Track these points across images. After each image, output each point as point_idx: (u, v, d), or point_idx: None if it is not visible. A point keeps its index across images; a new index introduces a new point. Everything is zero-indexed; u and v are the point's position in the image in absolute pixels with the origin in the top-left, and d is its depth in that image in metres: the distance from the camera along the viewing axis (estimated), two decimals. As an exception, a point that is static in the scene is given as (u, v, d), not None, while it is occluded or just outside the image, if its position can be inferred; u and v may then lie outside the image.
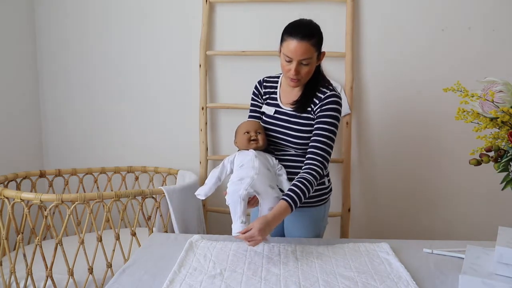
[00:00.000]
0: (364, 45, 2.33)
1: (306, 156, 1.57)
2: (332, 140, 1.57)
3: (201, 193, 1.58)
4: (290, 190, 1.48)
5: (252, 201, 1.53)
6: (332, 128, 1.57)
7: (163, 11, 2.44)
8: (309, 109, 1.62)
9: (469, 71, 2.19)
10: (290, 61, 1.53)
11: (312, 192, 1.56)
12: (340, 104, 1.60)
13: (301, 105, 1.62)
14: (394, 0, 2.29)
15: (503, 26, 2.24)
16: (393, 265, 1.39)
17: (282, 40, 1.55)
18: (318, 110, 1.59)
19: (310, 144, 1.57)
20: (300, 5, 2.30)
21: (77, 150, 2.61)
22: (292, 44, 1.49)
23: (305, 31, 1.50)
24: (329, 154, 1.57)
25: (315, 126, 1.58)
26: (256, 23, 2.35)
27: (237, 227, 1.45)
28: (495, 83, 1.30)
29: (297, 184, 1.49)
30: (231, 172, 1.60)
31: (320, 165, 1.54)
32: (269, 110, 1.70)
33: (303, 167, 1.55)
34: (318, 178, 1.54)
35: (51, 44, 2.54)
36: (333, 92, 1.60)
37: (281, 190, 1.58)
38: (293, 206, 1.46)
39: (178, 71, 2.48)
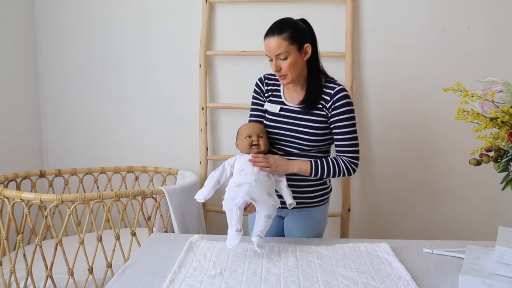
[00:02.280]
0: (364, 45, 2.33)
1: (340, 153, 1.63)
2: (357, 134, 1.64)
3: (201, 197, 1.57)
4: (319, 159, 1.60)
5: (248, 207, 1.51)
6: (354, 122, 1.63)
7: (163, 11, 2.44)
8: (320, 105, 1.62)
9: (469, 71, 2.18)
10: (271, 60, 1.58)
11: (315, 191, 1.61)
12: (350, 98, 1.64)
13: (309, 103, 1.62)
14: (394, 0, 2.29)
15: (503, 26, 2.24)
16: (393, 265, 1.39)
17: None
18: (332, 108, 1.60)
19: (338, 144, 1.63)
20: (300, 5, 2.29)
21: (77, 150, 2.61)
22: (266, 43, 1.57)
23: (274, 28, 1.57)
24: (359, 147, 1.64)
25: (337, 125, 1.61)
26: (256, 23, 2.33)
27: (231, 234, 1.44)
28: (495, 83, 1.30)
29: (327, 160, 1.59)
30: (231, 175, 1.59)
31: (355, 162, 1.62)
32: (273, 107, 1.69)
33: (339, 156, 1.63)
34: (346, 173, 1.61)
35: (51, 44, 2.54)
36: (342, 87, 1.62)
37: (280, 197, 1.56)
38: (313, 170, 1.57)
39: (178, 71, 2.48)
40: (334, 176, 1.61)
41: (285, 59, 1.55)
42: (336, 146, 1.64)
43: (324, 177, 1.61)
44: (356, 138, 1.62)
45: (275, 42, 1.54)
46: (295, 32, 1.55)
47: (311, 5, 2.30)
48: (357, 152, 1.63)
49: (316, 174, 1.59)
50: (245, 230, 1.55)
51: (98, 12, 2.49)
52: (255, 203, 1.47)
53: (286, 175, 1.61)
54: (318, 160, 1.60)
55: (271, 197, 1.49)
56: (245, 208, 1.49)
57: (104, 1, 2.47)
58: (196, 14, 2.38)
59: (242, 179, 1.51)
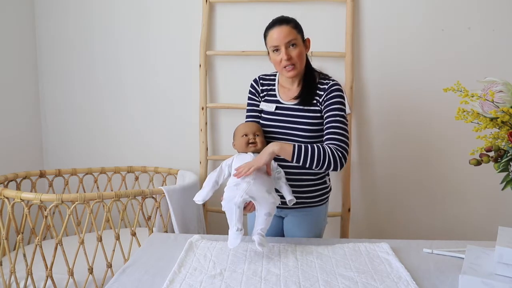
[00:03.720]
0: (364, 45, 2.33)
1: (326, 142, 1.57)
2: (346, 125, 1.59)
3: (199, 198, 1.56)
4: (303, 143, 1.55)
5: (248, 206, 1.50)
6: (342, 114, 1.60)
7: (163, 11, 2.44)
8: (314, 101, 1.62)
9: (469, 71, 2.19)
10: (278, 50, 1.58)
11: (315, 191, 1.58)
12: (343, 92, 1.65)
13: (305, 97, 1.63)
14: (394, 0, 2.29)
15: (503, 26, 2.24)
16: (393, 265, 1.39)
17: (265, 39, 1.63)
18: (324, 100, 1.61)
19: (325, 132, 1.58)
20: (300, 5, 2.30)
21: (77, 150, 2.61)
22: (274, 32, 1.58)
23: (280, 18, 1.61)
24: (348, 139, 1.57)
25: (326, 114, 1.60)
26: (256, 23, 2.33)
27: (232, 234, 1.43)
28: (495, 83, 1.30)
29: (312, 145, 1.52)
30: (229, 175, 1.58)
31: (341, 151, 1.52)
32: (268, 107, 1.69)
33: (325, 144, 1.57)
34: (332, 162, 1.49)
35: (51, 44, 2.54)
36: (336, 82, 1.65)
37: (280, 196, 1.56)
38: (296, 153, 1.48)
39: (178, 71, 2.48)
40: (319, 163, 1.49)
41: (295, 46, 1.57)
42: (324, 135, 1.59)
43: (308, 163, 1.49)
44: (344, 129, 1.56)
45: (285, 29, 1.56)
46: (298, 24, 1.63)
47: (311, 5, 2.30)
48: (344, 142, 1.54)
49: (299, 157, 1.49)
50: (245, 230, 1.55)
51: (98, 12, 2.49)
52: (255, 201, 1.46)
53: (286, 174, 1.61)
54: (302, 144, 1.52)
55: (270, 194, 1.48)
56: (244, 208, 1.48)
57: (104, 1, 2.48)
58: (196, 14, 2.39)
59: (240, 179, 1.50)
